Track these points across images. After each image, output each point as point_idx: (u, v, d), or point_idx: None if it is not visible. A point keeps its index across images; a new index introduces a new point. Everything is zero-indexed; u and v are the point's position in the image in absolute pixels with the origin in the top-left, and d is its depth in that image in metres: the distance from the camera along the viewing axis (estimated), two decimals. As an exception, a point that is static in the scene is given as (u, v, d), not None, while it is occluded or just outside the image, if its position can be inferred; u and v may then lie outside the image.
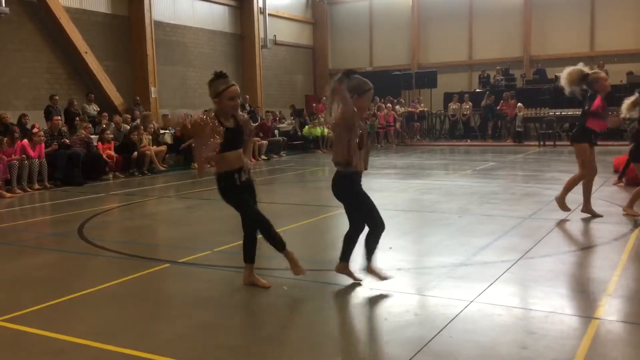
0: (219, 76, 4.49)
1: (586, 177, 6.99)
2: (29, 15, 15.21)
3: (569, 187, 7.11)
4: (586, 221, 6.85)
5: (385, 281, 4.62)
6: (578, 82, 6.73)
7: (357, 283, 4.65)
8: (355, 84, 4.36)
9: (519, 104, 19.63)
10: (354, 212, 4.59)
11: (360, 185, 4.54)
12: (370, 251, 4.59)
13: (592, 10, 21.78)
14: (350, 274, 4.73)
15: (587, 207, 7.09)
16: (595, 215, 7.01)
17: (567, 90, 6.83)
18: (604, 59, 20.73)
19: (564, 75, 6.79)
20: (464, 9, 23.82)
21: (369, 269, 4.65)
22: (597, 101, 6.64)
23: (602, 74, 6.88)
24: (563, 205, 7.14)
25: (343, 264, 4.70)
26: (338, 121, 4.36)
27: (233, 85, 4.48)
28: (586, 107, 6.80)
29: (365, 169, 4.59)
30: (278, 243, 4.56)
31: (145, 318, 4.08)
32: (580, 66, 6.88)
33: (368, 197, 4.55)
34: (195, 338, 3.71)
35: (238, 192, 4.51)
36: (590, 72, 6.82)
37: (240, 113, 4.64)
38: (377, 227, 4.54)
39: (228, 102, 4.43)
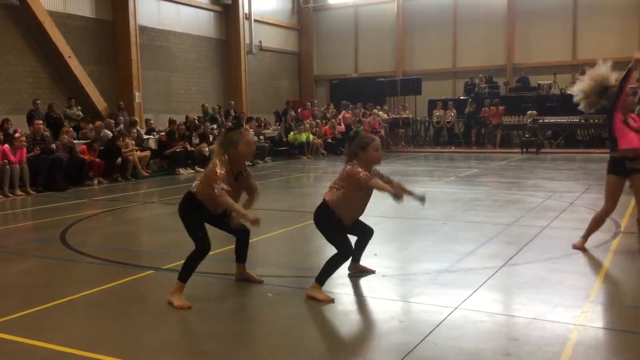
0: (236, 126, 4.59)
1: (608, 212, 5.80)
2: (11, 18, 15.07)
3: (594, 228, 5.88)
4: (569, 228, 6.90)
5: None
6: (596, 95, 5.78)
7: (345, 290, 4.63)
8: (356, 143, 4.46)
9: (533, 111, 19.14)
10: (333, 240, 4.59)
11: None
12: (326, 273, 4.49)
13: (574, 19, 22.04)
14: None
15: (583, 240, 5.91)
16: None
17: (581, 104, 5.95)
18: (587, 67, 20.87)
19: (583, 84, 5.86)
20: (448, 17, 23.99)
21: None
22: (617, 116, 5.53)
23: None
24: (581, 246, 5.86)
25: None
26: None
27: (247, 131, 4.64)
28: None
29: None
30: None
31: (129, 325, 4.05)
32: (606, 69, 5.84)
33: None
34: (178, 345, 3.69)
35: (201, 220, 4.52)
36: (613, 83, 5.72)
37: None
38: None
39: (245, 148, 4.38)
